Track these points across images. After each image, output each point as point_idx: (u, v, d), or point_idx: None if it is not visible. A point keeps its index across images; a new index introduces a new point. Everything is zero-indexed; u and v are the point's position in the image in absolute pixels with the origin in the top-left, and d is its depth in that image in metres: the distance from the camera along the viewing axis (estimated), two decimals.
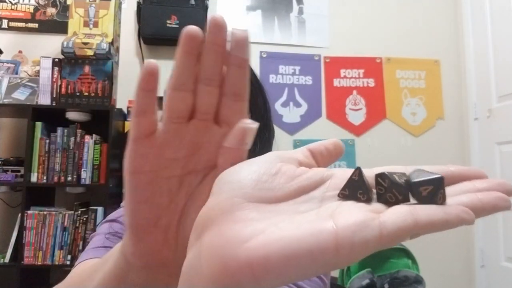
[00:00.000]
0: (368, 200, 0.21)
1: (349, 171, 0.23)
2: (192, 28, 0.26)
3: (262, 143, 0.60)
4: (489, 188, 0.21)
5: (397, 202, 0.20)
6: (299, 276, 0.18)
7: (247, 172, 0.22)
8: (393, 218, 0.18)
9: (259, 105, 0.63)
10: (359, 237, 0.17)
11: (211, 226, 0.20)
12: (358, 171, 0.22)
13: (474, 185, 0.22)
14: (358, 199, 0.21)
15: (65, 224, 1.82)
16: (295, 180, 0.23)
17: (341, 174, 0.24)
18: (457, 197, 0.21)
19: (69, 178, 1.84)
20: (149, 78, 0.26)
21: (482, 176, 0.23)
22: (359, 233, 0.17)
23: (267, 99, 0.64)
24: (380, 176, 0.21)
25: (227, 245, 0.19)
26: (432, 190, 0.20)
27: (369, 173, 0.23)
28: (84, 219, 1.84)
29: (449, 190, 0.21)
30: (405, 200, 0.20)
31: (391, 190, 0.21)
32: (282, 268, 0.17)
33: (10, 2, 2.22)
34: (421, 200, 0.20)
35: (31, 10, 2.23)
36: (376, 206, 0.20)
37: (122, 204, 0.74)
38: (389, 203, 0.21)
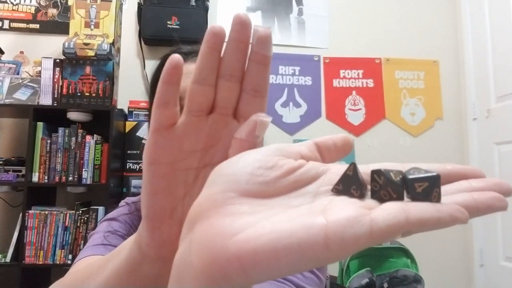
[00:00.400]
0: (361, 196, 0.21)
1: (345, 167, 0.23)
2: (217, 26, 0.27)
3: None
4: (485, 187, 0.21)
5: (391, 200, 0.20)
6: (289, 270, 0.18)
7: (243, 165, 0.22)
8: (384, 214, 0.18)
9: None
10: (349, 232, 0.17)
11: (202, 219, 0.20)
12: (353, 167, 0.22)
13: (470, 184, 0.22)
14: (351, 195, 0.21)
15: (66, 223, 1.83)
16: (291, 174, 0.22)
17: (337, 169, 0.23)
18: (451, 196, 0.21)
19: (70, 178, 1.85)
20: (173, 71, 0.27)
21: (479, 175, 0.23)
22: (349, 228, 0.17)
23: None
24: (376, 173, 0.21)
25: (216, 237, 0.19)
26: (427, 187, 0.20)
27: (365, 169, 0.23)
28: (85, 218, 1.85)
29: (444, 188, 0.21)
30: (399, 198, 0.20)
31: (386, 188, 0.20)
32: (271, 261, 0.17)
33: (12, 3, 2.23)
34: (415, 197, 0.20)
35: (32, 10, 2.24)
36: (369, 202, 0.20)
37: (120, 203, 0.75)
38: (382, 200, 0.20)
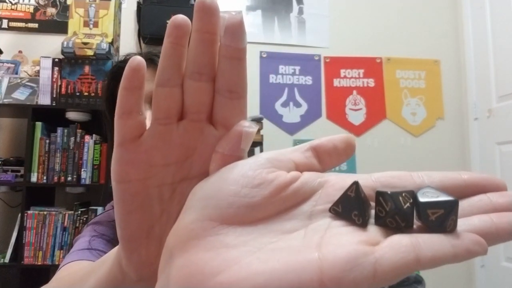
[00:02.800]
0: (363, 225, 0.18)
1: (345, 179, 0.20)
2: (179, 17, 0.23)
3: None
4: (508, 204, 0.18)
5: (398, 228, 0.18)
6: None
7: (225, 184, 0.19)
8: (391, 254, 0.16)
9: None
10: (349, 278, 0.15)
11: (180, 252, 0.18)
12: (355, 187, 0.19)
13: (490, 200, 0.19)
14: (352, 221, 0.18)
15: (65, 224, 1.82)
16: (282, 192, 0.19)
17: (336, 182, 0.20)
18: (468, 219, 0.18)
19: (69, 178, 1.84)
20: (133, 75, 0.23)
21: (500, 186, 0.19)
22: (348, 273, 0.15)
23: None
24: (382, 196, 0.18)
25: (196, 277, 0.17)
26: (442, 215, 0.17)
27: (368, 182, 0.20)
28: (84, 219, 1.84)
29: (460, 205, 0.18)
30: (408, 227, 0.18)
31: (393, 216, 0.18)
32: None
33: (10, 2, 2.22)
34: (428, 225, 0.17)
35: (31, 10, 2.23)
36: (372, 233, 0.18)
37: (107, 207, 0.74)
38: (388, 228, 0.18)
